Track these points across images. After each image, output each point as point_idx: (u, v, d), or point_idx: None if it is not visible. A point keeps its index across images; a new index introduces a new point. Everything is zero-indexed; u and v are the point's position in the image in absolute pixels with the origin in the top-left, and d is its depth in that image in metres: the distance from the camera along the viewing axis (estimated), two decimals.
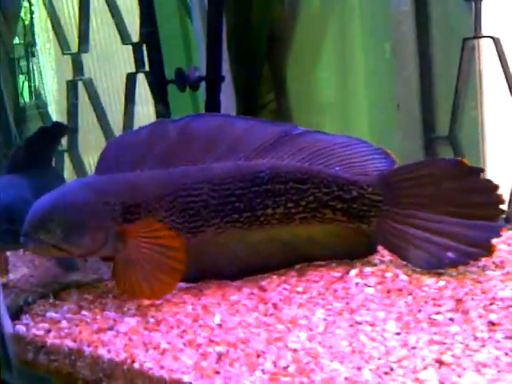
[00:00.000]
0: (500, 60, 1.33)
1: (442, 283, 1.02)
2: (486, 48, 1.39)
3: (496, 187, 1.07)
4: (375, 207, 1.11)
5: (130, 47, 1.66)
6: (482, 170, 1.11)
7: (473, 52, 1.39)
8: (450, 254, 1.05)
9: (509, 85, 1.32)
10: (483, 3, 1.34)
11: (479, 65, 1.41)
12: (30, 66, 1.96)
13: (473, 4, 1.34)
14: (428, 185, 1.09)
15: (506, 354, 0.79)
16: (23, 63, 2.01)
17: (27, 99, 2.04)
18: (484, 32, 1.35)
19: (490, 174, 1.45)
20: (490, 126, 1.44)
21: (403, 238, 1.10)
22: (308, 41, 1.44)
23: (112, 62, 1.88)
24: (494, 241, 1.13)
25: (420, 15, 1.39)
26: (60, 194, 1.06)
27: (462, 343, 0.83)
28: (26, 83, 2.03)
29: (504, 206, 1.10)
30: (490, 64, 1.39)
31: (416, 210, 1.09)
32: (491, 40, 1.34)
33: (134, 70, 1.66)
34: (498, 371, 0.76)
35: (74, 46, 1.76)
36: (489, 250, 1.05)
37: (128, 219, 1.05)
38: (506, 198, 1.34)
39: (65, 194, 1.06)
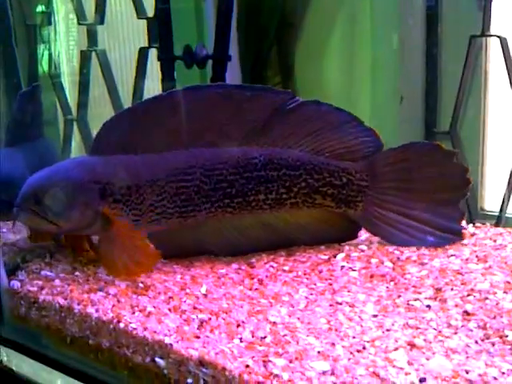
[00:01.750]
0: (505, 60, 1.33)
1: (424, 272, 1.04)
2: (493, 47, 1.40)
3: (466, 170, 1.16)
4: (362, 192, 1.15)
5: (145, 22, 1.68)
6: (456, 154, 1.18)
7: (480, 50, 1.40)
8: (430, 238, 1.14)
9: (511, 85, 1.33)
10: (494, 2, 1.34)
11: (485, 63, 1.42)
12: (51, 35, 1.98)
13: (483, 2, 1.34)
14: (407, 169, 1.16)
15: (476, 343, 0.82)
16: (45, 32, 2.02)
17: (46, 68, 2.05)
18: (493, 31, 1.36)
19: (489, 172, 1.47)
20: (491, 124, 1.45)
21: (386, 222, 1.16)
22: (318, 27, 1.45)
23: (126, 35, 1.89)
24: (480, 236, 1.17)
25: (430, 10, 1.40)
26: (53, 170, 1.10)
27: (435, 329, 0.86)
28: (47, 52, 2.04)
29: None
30: (496, 63, 1.40)
31: (396, 196, 1.15)
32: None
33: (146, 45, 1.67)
34: (466, 357, 0.79)
35: (91, 18, 1.78)
36: (460, 236, 1.17)
37: (118, 200, 1.07)
38: (501, 197, 1.37)
39: (58, 171, 1.09)
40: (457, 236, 1.16)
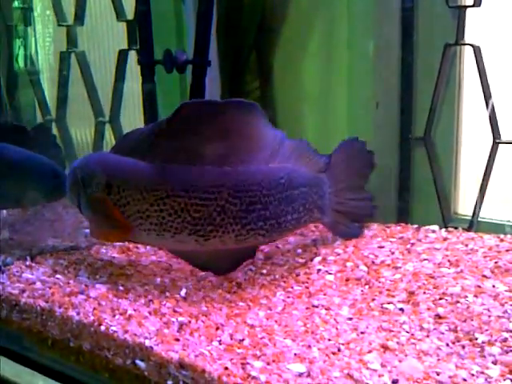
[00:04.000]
0: (478, 68, 1.37)
1: (398, 276, 1.07)
2: (467, 55, 1.43)
3: (372, 153, 1.29)
4: (329, 200, 1.20)
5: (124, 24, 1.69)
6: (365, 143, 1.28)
7: (454, 58, 1.43)
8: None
9: (484, 93, 1.37)
10: (468, 11, 1.38)
11: (459, 71, 1.45)
12: (27, 31, 1.97)
13: (457, 11, 1.38)
14: (346, 168, 1.25)
15: (447, 345, 0.85)
16: (21, 28, 2.01)
17: (22, 65, 2.04)
18: (466, 40, 1.39)
19: (462, 177, 1.51)
20: (464, 130, 1.49)
21: (340, 221, 1.24)
22: (296, 33, 1.47)
23: (105, 37, 1.90)
24: (453, 241, 1.21)
25: (405, 18, 1.44)
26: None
27: (408, 332, 0.89)
28: (22, 48, 2.03)
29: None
30: (469, 71, 1.43)
31: (343, 193, 1.24)
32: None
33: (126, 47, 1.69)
34: (438, 359, 0.81)
35: (71, 18, 1.79)
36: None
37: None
38: (473, 202, 1.40)
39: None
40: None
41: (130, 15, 1.67)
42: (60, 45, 1.81)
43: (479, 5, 1.35)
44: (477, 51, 1.38)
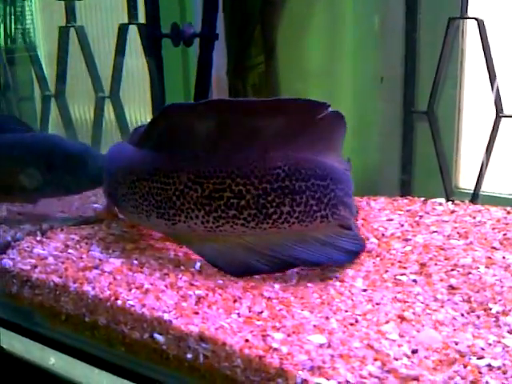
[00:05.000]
0: (482, 42, 1.37)
1: (408, 248, 1.08)
2: (470, 29, 1.44)
3: None
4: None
5: None
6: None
7: (457, 32, 1.43)
8: None
9: (488, 67, 1.37)
10: None
11: (462, 45, 1.46)
12: (24, 6, 1.94)
13: None
14: None
15: (462, 315, 0.86)
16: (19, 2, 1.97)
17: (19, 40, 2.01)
18: (470, 13, 1.39)
19: (464, 151, 1.52)
20: (467, 104, 1.50)
21: None
22: (300, 7, 1.46)
23: (104, 11, 1.88)
24: (460, 213, 1.22)
25: None
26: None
27: (422, 303, 0.90)
28: (19, 24, 2.00)
29: None
30: (473, 45, 1.44)
31: None
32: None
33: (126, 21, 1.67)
34: (454, 329, 0.82)
35: None
36: None
37: None
38: (475, 176, 1.42)
39: None
40: None
41: None
42: (59, 20, 1.78)
43: None
44: (481, 25, 1.38)
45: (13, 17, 1.92)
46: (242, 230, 1.00)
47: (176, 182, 1.00)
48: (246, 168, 0.98)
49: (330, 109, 1.00)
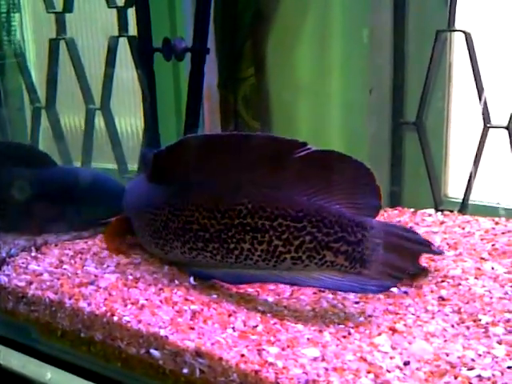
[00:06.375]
0: (469, 55, 1.39)
1: None
2: (458, 41, 1.46)
3: None
4: (375, 251, 0.97)
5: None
6: None
7: (445, 44, 1.46)
8: None
9: (475, 79, 1.40)
10: None
11: (450, 57, 1.48)
12: (14, 18, 1.94)
13: None
14: None
15: (453, 326, 0.88)
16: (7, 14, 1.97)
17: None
18: (458, 26, 1.42)
19: (452, 161, 1.54)
20: (455, 115, 1.52)
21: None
22: (290, 20, 1.48)
23: (95, 24, 1.89)
24: (449, 224, 1.24)
25: (398, 6, 1.46)
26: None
27: (413, 314, 0.92)
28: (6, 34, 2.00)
29: None
30: (460, 57, 1.46)
31: None
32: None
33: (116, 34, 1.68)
34: (445, 341, 0.84)
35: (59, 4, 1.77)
36: None
37: None
38: (463, 185, 1.44)
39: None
40: None
41: (121, 1, 1.66)
42: (49, 32, 1.79)
43: None
44: (468, 37, 1.40)
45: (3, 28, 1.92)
46: (212, 262, 1.03)
47: (162, 214, 1.07)
48: (212, 202, 1.01)
49: (314, 148, 0.96)
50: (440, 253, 1.11)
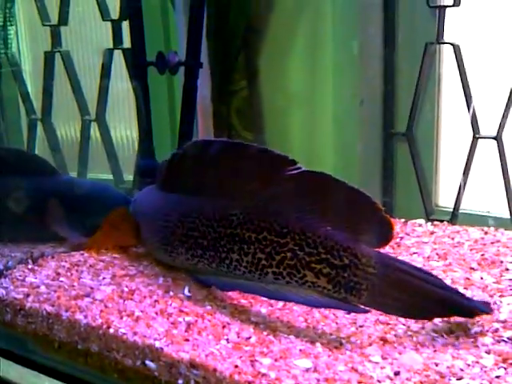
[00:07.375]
0: (458, 66, 1.42)
1: None
2: (446, 53, 1.49)
3: None
4: (368, 280, 0.92)
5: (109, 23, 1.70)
6: None
7: (434, 57, 1.48)
8: None
9: (464, 91, 1.42)
10: (447, 10, 1.42)
11: (439, 69, 1.51)
12: (10, 31, 1.95)
13: (437, 11, 1.42)
14: None
15: (442, 336, 0.89)
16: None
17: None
18: (446, 39, 1.44)
19: (442, 171, 1.56)
20: (444, 125, 1.54)
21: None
22: (281, 34, 1.50)
23: (89, 36, 1.91)
24: (439, 234, 1.26)
25: (387, 18, 1.48)
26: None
27: (404, 324, 0.93)
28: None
29: None
30: (449, 69, 1.49)
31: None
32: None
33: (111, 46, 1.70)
34: (434, 351, 0.85)
35: (54, 17, 1.79)
36: None
37: None
38: (453, 195, 1.46)
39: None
40: None
41: (115, 15, 1.68)
42: (44, 45, 1.81)
43: (458, 4, 1.40)
44: (456, 49, 1.43)
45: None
46: (209, 269, 1.06)
47: (170, 221, 1.11)
48: (211, 211, 1.04)
49: (303, 168, 0.96)
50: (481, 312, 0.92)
